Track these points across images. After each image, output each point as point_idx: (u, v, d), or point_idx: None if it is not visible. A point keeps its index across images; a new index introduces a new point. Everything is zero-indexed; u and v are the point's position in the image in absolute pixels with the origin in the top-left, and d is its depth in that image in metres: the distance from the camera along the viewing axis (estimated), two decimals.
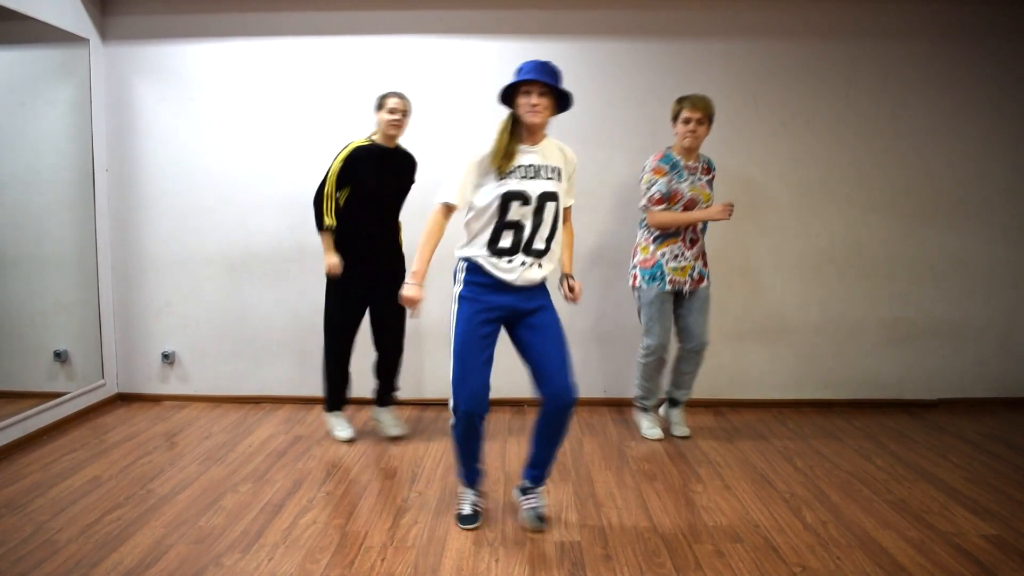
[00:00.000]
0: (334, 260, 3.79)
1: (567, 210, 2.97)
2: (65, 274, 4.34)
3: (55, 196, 4.24)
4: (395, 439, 3.98)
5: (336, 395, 4.01)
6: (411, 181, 3.94)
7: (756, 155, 4.49)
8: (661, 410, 4.22)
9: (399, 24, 4.45)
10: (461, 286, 2.83)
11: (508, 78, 2.75)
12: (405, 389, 4.46)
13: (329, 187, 3.76)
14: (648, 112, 4.40)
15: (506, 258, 2.77)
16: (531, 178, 2.74)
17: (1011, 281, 4.61)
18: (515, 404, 4.55)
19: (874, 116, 4.48)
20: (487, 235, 2.76)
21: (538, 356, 2.81)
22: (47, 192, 4.18)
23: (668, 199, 3.78)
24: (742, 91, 4.46)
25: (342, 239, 3.80)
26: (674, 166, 3.80)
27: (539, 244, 2.79)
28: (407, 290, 2.78)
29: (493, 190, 2.73)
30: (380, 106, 3.77)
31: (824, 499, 3.21)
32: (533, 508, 2.96)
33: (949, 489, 3.31)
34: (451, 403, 2.80)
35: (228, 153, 4.55)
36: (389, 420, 4.06)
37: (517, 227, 2.75)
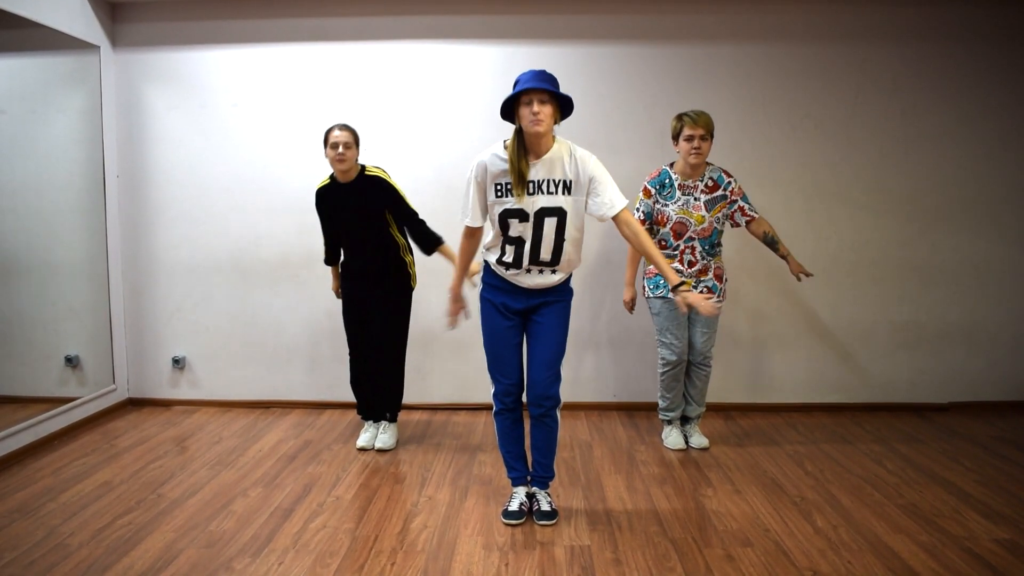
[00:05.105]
0: (334, 285, 4.08)
1: (625, 211, 2.82)
2: (76, 280, 4.37)
3: (66, 202, 4.27)
4: (381, 452, 3.88)
5: (358, 403, 4.02)
6: (384, 204, 3.69)
7: (765, 158, 4.48)
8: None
9: (411, 30, 4.46)
10: (482, 286, 3.01)
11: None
12: (413, 393, 4.47)
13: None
14: (656, 116, 4.39)
15: (512, 270, 2.90)
16: (530, 194, 2.79)
17: (1023, 283, 4.58)
18: None
19: (884, 119, 4.46)
20: (497, 248, 2.91)
21: (528, 357, 3.00)
22: (58, 199, 4.21)
23: (655, 220, 3.76)
24: (751, 94, 4.45)
25: (342, 266, 3.93)
26: (664, 186, 3.74)
27: (545, 255, 2.86)
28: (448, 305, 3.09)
29: (494, 207, 2.84)
30: (324, 142, 3.65)
31: (835, 503, 3.20)
32: (537, 504, 3.07)
33: (961, 493, 3.29)
34: (491, 391, 3.05)
35: (238, 159, 4.57)
36: (373, 433, 3.96)
37: (518, 242, 2.86)
